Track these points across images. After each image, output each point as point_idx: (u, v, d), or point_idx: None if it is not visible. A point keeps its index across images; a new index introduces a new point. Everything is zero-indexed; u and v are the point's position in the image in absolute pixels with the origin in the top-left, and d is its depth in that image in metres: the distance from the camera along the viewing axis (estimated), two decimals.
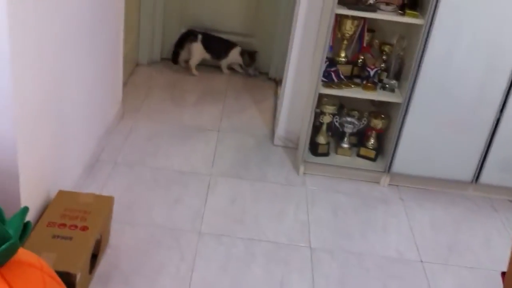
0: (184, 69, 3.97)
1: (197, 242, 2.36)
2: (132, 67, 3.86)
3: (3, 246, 1.34)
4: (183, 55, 3.93)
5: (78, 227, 1.98)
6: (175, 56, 3.93)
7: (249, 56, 3.91)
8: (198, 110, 3.48)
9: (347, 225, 2.60)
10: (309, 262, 2.34)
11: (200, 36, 3.85)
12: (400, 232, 2.61)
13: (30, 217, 1.95)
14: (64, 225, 1.99)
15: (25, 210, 1.45)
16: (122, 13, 2.98)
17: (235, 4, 3.92)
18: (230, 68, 4.04)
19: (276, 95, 3.74)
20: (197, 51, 3.86)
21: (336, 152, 2.97)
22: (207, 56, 3.89)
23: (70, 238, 1.93)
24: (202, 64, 3.94)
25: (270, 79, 4.05)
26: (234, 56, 3.91)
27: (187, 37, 3.87)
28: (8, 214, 1.55)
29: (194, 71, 3.91)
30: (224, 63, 3.97)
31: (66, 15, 2.10)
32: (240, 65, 4.02)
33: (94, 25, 2.48)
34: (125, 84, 3.52)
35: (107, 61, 2.82)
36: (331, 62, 2.82)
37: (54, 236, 1.93)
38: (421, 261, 2.44)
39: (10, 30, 1.61)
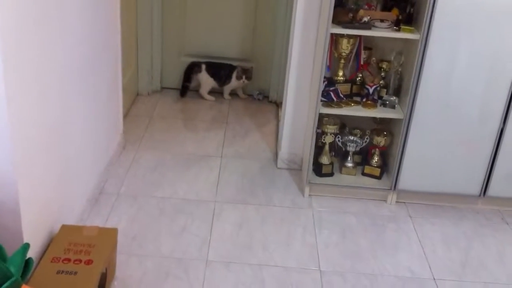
0: (184, 98, 3.99)
1: (205, 270, 2.32)
2: (133, 98, 3.88)
3: (5, 284, 1.33)
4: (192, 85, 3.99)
5: (83, 261, 1.96)
6: (183, 90, 3.97)
7: (247, 70, 3.90)
8: (201, 137, 3.47)
9: (356, 246, 2.56)
10: (320, 286, 2.29)
11: (203, 66, 3.90)
12: (411, 250, 2.56)
13: (33, 253, 1.93)
14: (68, 259, 1.96)
15: (26, 246, 1.44)
16: (119, 44, 3.00)
17: (232, 30, 3.95)
18: (232, 93, 4.06)
19: (277, 118, 3.74)
20: (204, 81, 3.93)
21: (341, 172, 2.95)
22: (214, 83, 3.93)
23: (75, 273, 1.90)
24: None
25: (270, 102, 4.06)
26: (235, 76, 3.91)
27: (192, 69, 3.91)
28: (11, 251, 1.53)
29: (208, 97, 3.98)
30: (227, 88, 3.99)
31: (65, 48, 2.12)
32: (243, 90, 4.03)
33: (92, 58, 2.50)
34: (126, 115, 3.54)
35: (107, 92, 2.83)
36: (330, 81, 2.82)
37: (58, 272, 1.90)
38: (434, 279, 2.39)
39: (5, 63, 1.61)
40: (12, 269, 1.36)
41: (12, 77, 1.67)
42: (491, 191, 2.81)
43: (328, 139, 2.88)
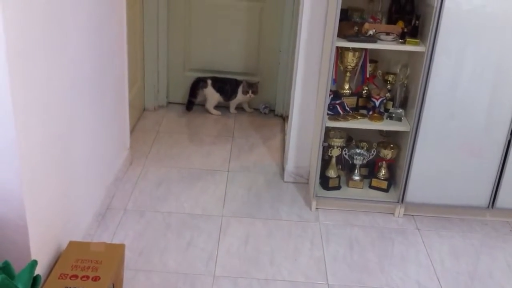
0: (190, 112, 4.00)
1: (212, 286, 2.31)
2: (139, 113, 3.89)
3: None
4: (197, 100, 4.01)
5: (90, 278, 1.95)
6: (189, 105, 3.99)
7: (253, 85, 3.91)
8: (207, 152, 3.47)
9: (364, 259, 2.54)
10: None
11: (209, 81, 3.92)
12: (419, 263, 2.54)
13: (41, 269, 1.93)
14: (75, 276, 1.95)
15: (34, 263, 1.44)
16: (126, 60, 3.02)
17: (237, 45, 3.97)
18: (238, 107, 4.07)
19: (283, 132, 3.74)
20: (210, 96, 3.95)
21: (348, 185, 2.94)
22: (220, 98, 3.94)
23: None
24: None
25: (276, 115, 4.06)
26: (241, 91, 3.93)
27: (198, 84, 3.93)
28: (19, 268, 1.53)
29: (214, 112, 4.00)
30: (233, 103, 4.00)
31: (71, 64, 2.13)
32: (249, 104, 4.04)
33: (99, 74, 2.52)
34: (132, 130, 3.55)
35: (113, 108, 2.84)
36: (336, 95, 2.82)
37: None
38: None
39: (12, 80, 1.63)
40: (20, 286, 1.36)
41: (19, 93, 1.68)
42: (500, 202, 2.79)
43: (335, 152, 2.88)
